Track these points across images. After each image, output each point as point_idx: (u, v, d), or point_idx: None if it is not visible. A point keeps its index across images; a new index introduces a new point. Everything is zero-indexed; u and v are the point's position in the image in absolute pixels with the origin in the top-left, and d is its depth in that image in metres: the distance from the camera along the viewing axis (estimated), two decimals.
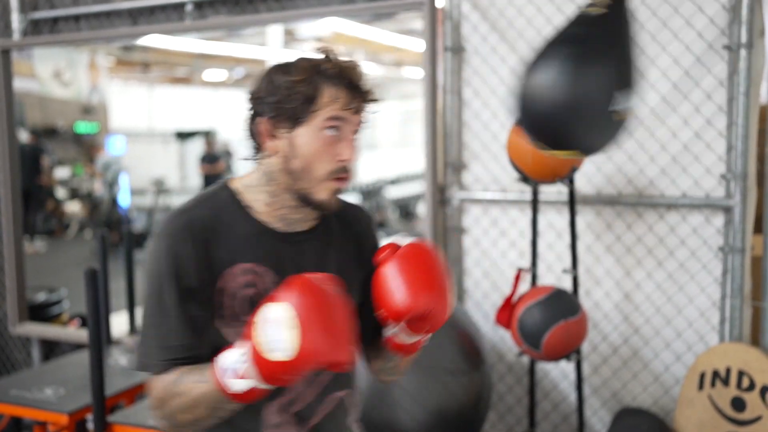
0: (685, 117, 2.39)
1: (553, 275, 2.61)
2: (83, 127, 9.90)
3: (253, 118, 1.21)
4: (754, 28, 2.26)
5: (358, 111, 1.20)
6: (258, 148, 1.23)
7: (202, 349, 1.17)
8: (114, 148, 9.71)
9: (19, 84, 3.69)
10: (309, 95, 1.16)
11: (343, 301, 1.09)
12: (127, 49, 8.12)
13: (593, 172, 2.54)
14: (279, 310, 1.04)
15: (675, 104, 2.40)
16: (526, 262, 2.62)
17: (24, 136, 8.20)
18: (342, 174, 1.20)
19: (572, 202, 2.34)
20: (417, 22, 3.13)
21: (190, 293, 1.16)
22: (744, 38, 2.26)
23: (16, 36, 3.45)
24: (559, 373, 2.68)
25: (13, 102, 3.48)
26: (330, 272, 1.19)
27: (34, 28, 3.49)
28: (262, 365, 1.04)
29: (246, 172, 1.28)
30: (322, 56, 1.20)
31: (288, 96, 1.16)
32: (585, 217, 2.58)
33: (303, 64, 1.18)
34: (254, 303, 1.17)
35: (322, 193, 1.20)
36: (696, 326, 2.46)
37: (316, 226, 1.28)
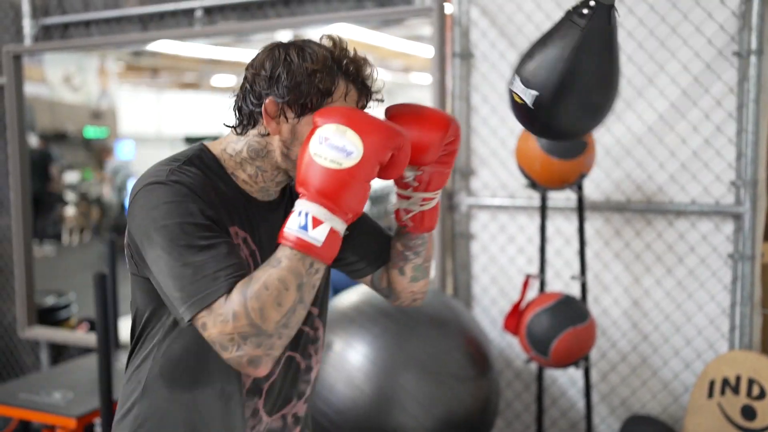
0: (695, 124, 2.39)
1: (562, 282, 2.60)
2: (92, 131, 9.94)
3: (256, 94, 1.17)
4: (764, 35, 2.26)
5: (363, 108, 1.20)
6: (249, 122, 1.20)
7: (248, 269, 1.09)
8: (123, 152, 9.75)
9: (29, 89, 3.71)
10: (326, 88, 1.14)
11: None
12: (136, 55, 8.16)
13: (602, 179, 2.53)
14: (322, 132, 1.04)
15: (684, 111, 2.39)
16: (534, 269, 2.61)
17: (33, 141, 8.24)
18: None
19: (581, 208, 2.34)
20: (425, 27, 3.13)
21: (216, 226, 1.10)
22: (754, 45, 2.25)
23: (28, 41, 3.47)
24: (567, 380, 2.67)
25: (24, 106, 3.50)
26: None
27: (45, 33, 3.51)
28: (335, 186, 1.02)
29: (225, 139, 1.24)
30: (333, 46, 1.18)
31: (305, 84, 1.13)
32: (593, 224, 2.58)
33: (321, 52, 1.15)
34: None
35: None
36: (705, 334, 2.44)
37: (282, 193, 1.29)
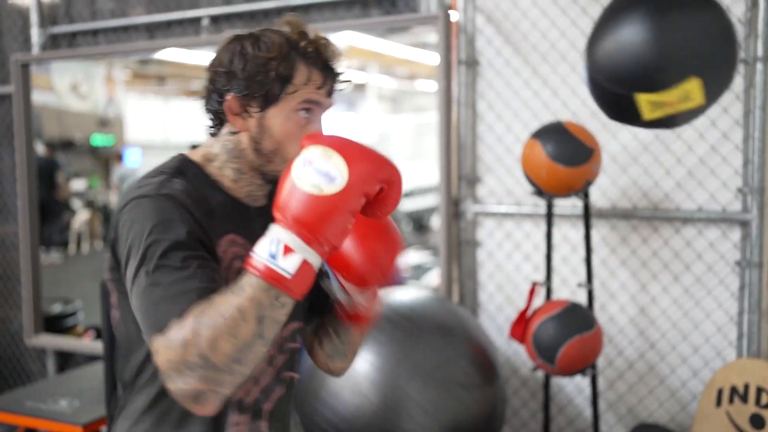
0: (701, 131, 2.38)
1: (568, 289, 2.59)
2: (99, 139, 9.99)
3: (217, 92, 1.14)
4: None
5: (330, 93, 1.16)
6: (219, 122, 1.17)
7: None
8: (130, 160, 9.79)
9: (37, 97, 3.73)
10: (284, 75, 1.10)
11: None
12: (143, 63, 8.20)
13: (608, 186, 2.53)
14: (307, 154, 0.96)
15: None
16: (540, 276, 2.61)
17: (40, 149, 8.28)
18: None
19: (587, 215, 2.33)
20: (431, 35, 3.14)
21: (198, 242, 1.05)
22: (760, 52, 2.25)
23: (36, 50, 3.49)
24: (574, 388, 2.66)
25: (31, 115, 3.52)
26: None
27: (53, 42, 3.53)
28: (314, 215, 0.92)
29: (204, 146, 1.22)
30: (290, 30, 1.13)
31: (262, 74, 1.10)
32: (600, 231, 2.57)
33: (277, 39, 1.11)
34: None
35: None
36: (713, 341, 2.43)
37: (268, 198, 1.23)
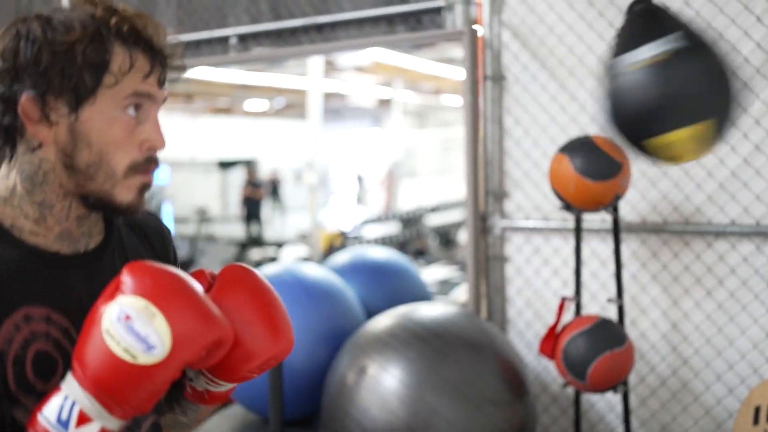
0: (733, 143, 2.35)
1: (598, 304, 2.56)
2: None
3: (3, 96, 0.85)
4: None
5: (162, 82, 0.92)
6: (8, 139, 0.87)
7: None
8: (158, 177, 9.92)
9: None
10: (97, 61, 0.84)
11: (189, 278, 0.84)
12: (171, 81, 8.34)
13: (638, 200, 2.50)
14: (130, 304, 0.78)
15: None
16: (569, 291, 2.58)
17: None
18: (149, 165, 0.91)
19: (616, 230, 2.31)
20: (456, 50, 3.15)
21: None
22: None
23: None
24: (605, 404, 2.62)
25: None
26: None
27: None
28: (119, 382, 0.77)
29: None
30: (94, 6, 0.87)
31: (64, 61, 0.83)
32: (630, 245, 2.54)
33: (81, 17, 0.85)
34: (49, 364, 0.85)
35: (125, 194, 0.89)
36: (749, 358, 2.38)
37: (105, 239, 0.97)
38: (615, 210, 2.27)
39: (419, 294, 3.33)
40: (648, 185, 2.48)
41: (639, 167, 2.47)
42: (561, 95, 2.61)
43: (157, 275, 0.81)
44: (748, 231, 2.34)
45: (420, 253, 8.33)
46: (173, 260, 1.11)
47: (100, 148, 0.87)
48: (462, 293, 5.10)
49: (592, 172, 2.14)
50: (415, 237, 8.55)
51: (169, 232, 1.11)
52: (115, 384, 0.77)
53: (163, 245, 1.08)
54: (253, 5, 3.15)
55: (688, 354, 2.47)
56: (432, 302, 3.27)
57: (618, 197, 2.19)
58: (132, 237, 1.03)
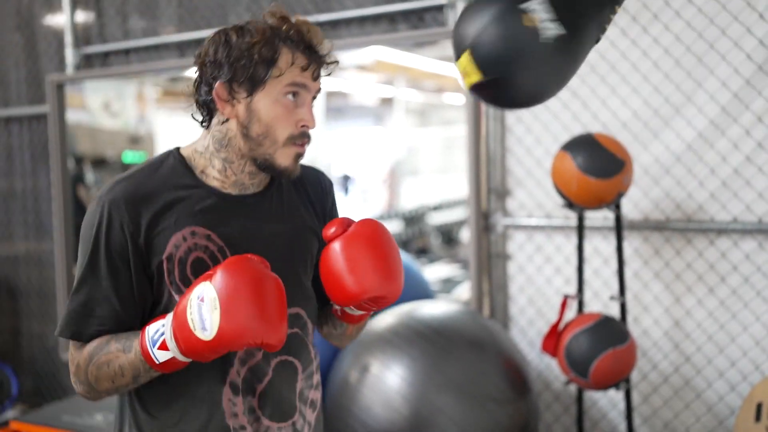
0: (735, 141, 2.35)
1: (600, 302, 2.56)
2: (131, 156, 10.15)
3: (206, 82, 1.19)
4: None
5: (317, 76, 1.19)
6: (209, 113, 1.22)
7: (133, 319, 1.17)
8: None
9: (70, 115, 3.81)
10: (268, 58, 1.14)
11: (275, 282, 1.07)
12: (173, 80, 8.33)
13: (640, 197, 2.50)
14: (205, 290, 1.04)
15: (724, 127, 2.36)
16: (571, 289, 2.58)
17: (70, 165, 8.43)
18: (303, 139, 1.19)
19: (619, 227, 2.31)
20: None
21: (123, 262, 1.15)
22: None
23: (70, 70, 3.57)
24: (607, 402, 2.62)
25: (66, 134, 3.59)
26: (281, 234, 1.23)
27: (87, 62, 3.61)
28: (186, 340, 1.04)
29: (198, 138, 1.26)
30: (273, 17, 1.18)
31: (246, 59, 1.14)
32: (632, 243, 2.54)
33: (260, 25, 1.16)
34: (204, 268, 1.16)
35: (283, 159, 1.19)
36: (751, 355, 2.38)
37: (268, 188, 1.27)
38: (617, 207, 2.28)
39: (422, 292, 3.33)
40: (650, 183, 2.48)
41: (641, 165, 2.47)
42: (563, 93, 2.60)
43: (243, 274, 1.04)
44: (751, 228, 2.34)
45: (422, 252, 8.33)
46: (331, 206, 1.38)
47: (267, 122, 1.16)
48: (464, 291, 5.09)
49: (594, 170, 2.14)
50: (417, 235, 8.54)
51: (330, 183, 1.39)
52: (182, 339, 1.05)
53: (321, 194, 1.35)
54: (254, 3, 3.15)
55: (691, 351, 2.47)
56: (434, 300, 3.27)
57: (620, 195, 2.19)
58: (290, 187, 1.30)
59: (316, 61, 1.18)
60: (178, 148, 1.26)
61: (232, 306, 1.02)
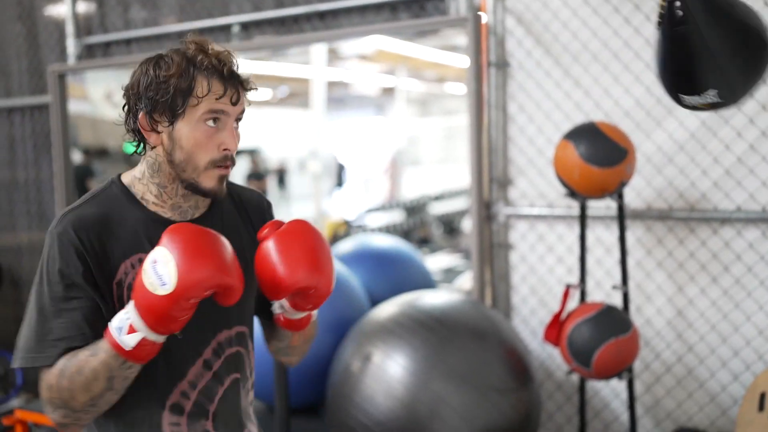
0: (739, 129, 2.33)
1: (603, 291, 2.56)
2: (132, 147, 10.13)
3: (132, 112, 1.23)
4: None
5: (236, 101, 1.22)
6: (141, 141, 1.26)
7: (98, 337, 1.17)
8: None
9: (72, 106, 3.81)
10: (184, 88, 1.18)
11: (217, 235, 1.13)
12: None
13: (643, 186, 2.49)
14: (156, 253, 1.08)
15: (728, 116, 2.34)
16: (574, 278, 2.58)
17: (77, 157, 8.42)
18: (225, 162, 1.23)
19: (621, 216, 2.30)
20: (460, 37, 3.13)
21: (78, 288, 1.17)
22: None
23: (71, 60, 3.56)
24: (610, 391, 2.62)
25: (68, 124, 3.58)
26: None
27: (88, 52, 3.60)
28: (149, 306, 1.06)
29: (137, 166, 1.31)
30: (191, 48, 1.21)
31: (163, 90, 1.18)
32: (635, 232, 2.53)
33: (176, 57, 1.20)
34: None
35: (207, 182, 1.23)
36: (754, 344, 2.38)
37: (209, 211, 1.31)
38: (620, 197, 2.27)
39: (423, 282, 3.34)
40: (653, 172, 2.47)
41: (644, 154, 2.46)
42: (565, 81, 2.60)
43: (187, 234, 1.09)
44: (754, 217, 2.33)
45: (424, 242, 8.33)
46: None
47: (188, 149, 1.21)
48: (466, 281, 5.09)
49: (597, 159, 2.13)
50: (419, 225, 8.54)
51: (269, 205, 1.44)
52: (146, 309, 1.07)
53: (261, 216, 1.40)
54: None
55: (693, 341, 2.47)
56: (436, 290, 3.27)
57: (623, 184, 2.18)
58: (232, 210, 1.36)
59: (232, 86, 1.21)
60: (119, 176, 1.30)
61: (185, 254, 1.07)
